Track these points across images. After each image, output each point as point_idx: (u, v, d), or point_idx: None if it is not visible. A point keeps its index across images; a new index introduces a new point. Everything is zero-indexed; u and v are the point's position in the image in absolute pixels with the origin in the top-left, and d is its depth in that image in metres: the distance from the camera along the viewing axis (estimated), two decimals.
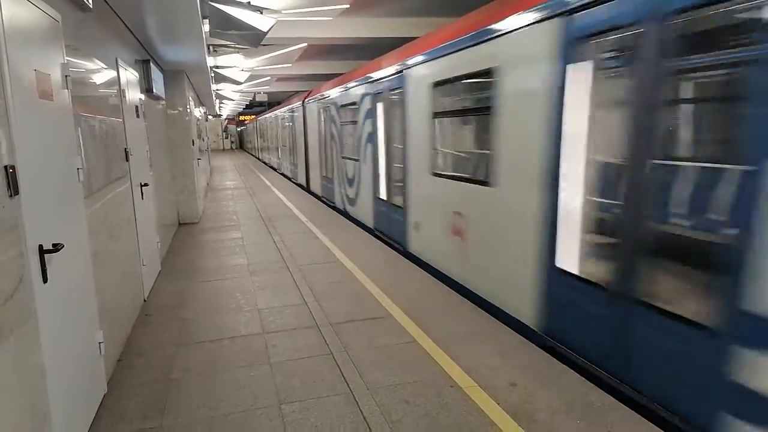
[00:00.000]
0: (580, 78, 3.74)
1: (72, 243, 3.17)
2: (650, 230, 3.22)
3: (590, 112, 3.72)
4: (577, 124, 3.83)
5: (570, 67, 3.79)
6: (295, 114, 15.61)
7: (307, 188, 15.27)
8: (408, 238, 7.17)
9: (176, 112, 9.84)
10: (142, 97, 6.55)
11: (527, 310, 4.49)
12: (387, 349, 4.26)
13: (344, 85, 10.10)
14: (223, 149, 54.17)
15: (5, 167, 2.38)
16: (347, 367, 3.99)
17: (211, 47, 9.75)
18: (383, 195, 8.22)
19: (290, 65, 13.70)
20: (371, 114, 8.44)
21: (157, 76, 7.49)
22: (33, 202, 2.64)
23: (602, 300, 3.61)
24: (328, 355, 4.20)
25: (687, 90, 3.20)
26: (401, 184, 7.25)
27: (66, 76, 3.31)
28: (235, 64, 11.24)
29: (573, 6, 3.66)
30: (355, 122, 9.44)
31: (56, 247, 2.79)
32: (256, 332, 4.72)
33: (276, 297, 5.66)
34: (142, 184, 5.84)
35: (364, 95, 8.77)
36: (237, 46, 9.82)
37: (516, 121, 4.50)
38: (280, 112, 20.30)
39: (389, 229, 7.96)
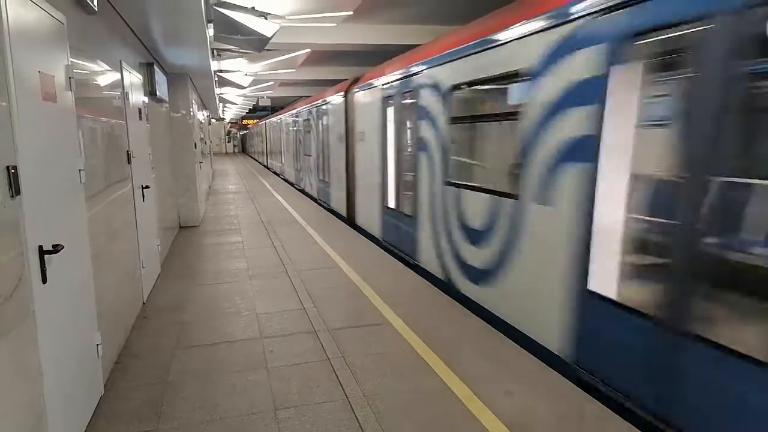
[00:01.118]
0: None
1: (72, 244, 3.18)
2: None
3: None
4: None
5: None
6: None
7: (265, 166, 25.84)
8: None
9: (179, 115, 9.86)
10: (146, 99, 6.58)
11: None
12: (384, 357, 4.26)
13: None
14: (226, 153, 54.27)
15: (7, 168, 2.40)
16: (344, 373, 3.99)
17: (215, 51, 9.80)
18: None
19: (293, 70, 13.75)
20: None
21: (160, 79, 7.52)
22: (34, 203, 2.65)
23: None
24: (325, 361, 4.20)
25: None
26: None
27: (70, 77, 3.33)
28: (239, 68, 11.29)
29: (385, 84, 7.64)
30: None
31: (56, 248, 2.79)
32: (254, 337, 4.72)
33: (275, 302, 5.66)
34: (144, 186, 5.85)
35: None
36: (241, 50, 9.87)
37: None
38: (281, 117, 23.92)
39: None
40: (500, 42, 4.45)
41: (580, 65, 3.50)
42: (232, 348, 4.49)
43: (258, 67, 11.64)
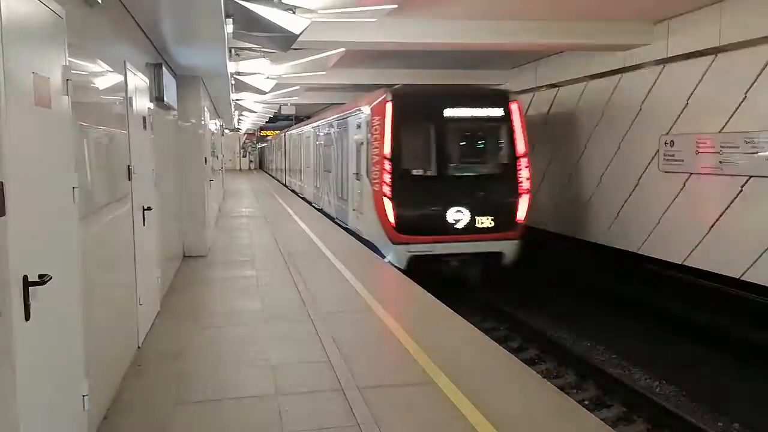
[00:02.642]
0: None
1: (61, 274, 3.25)
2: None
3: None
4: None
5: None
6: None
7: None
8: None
9: (188, 124, 10.12)
10: (151, 106, 6.79)
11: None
12: (429, 425, 4.18)
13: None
14: (240, 170, 55.47)
15: None
16: None
17: (233, 50, 10.07)
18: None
19: (324, 73, 13.98)
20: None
21: (169, 82, 7.75)
22: (21, 225, 2.72)
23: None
24: (353, 427, 4.15)
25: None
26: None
27: (67, 80, 3.46)
28: (260, 70, 11.55)
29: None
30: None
31: (43, 279, 2.87)
32: (268, 393, 4.72)
33: (294, 351, 5.67)
34: (145, 207, 6.01)
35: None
36: (263, 50, 10.12)
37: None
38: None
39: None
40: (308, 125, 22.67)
41: (310, 138, 21.56)
42: (241, 406, 4.50)
43: (282, 69, 11.90)
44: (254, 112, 25.31)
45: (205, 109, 11.29)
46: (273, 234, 13.22)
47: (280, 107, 26.47)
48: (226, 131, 36.18)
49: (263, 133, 52.73)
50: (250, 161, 59.80)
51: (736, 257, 9.41)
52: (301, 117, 36.50)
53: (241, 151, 57.83)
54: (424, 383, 4.87)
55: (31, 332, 2.82)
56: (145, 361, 5.42)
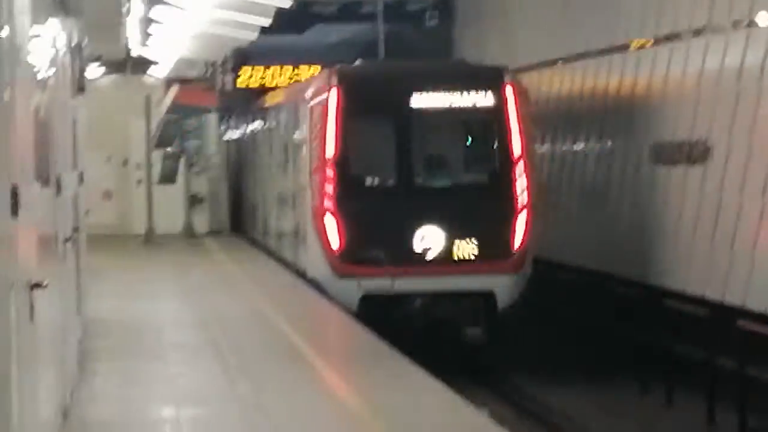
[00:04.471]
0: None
1: None
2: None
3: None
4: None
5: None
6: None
7: None
8: None
9: None
10: None
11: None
12: None
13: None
14: (148, 238, 30.43)
15: None
16: None
17: None
18: None
19: None
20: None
21: None
22: None
23: None
24: None
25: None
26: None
27: None
28: None
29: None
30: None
31: None
32: None
33: None
34: None
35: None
36: None
37: None
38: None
39: None
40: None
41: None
42: None
43: None
44: None
45: None
46: None
47: None
48: (96, 74, 18.78)
49: (239, 77, 31.09)
50: (195, 198, 32.07)
51: None
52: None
53: (163, 159, 31.68)
54: None
55: None
56: None
